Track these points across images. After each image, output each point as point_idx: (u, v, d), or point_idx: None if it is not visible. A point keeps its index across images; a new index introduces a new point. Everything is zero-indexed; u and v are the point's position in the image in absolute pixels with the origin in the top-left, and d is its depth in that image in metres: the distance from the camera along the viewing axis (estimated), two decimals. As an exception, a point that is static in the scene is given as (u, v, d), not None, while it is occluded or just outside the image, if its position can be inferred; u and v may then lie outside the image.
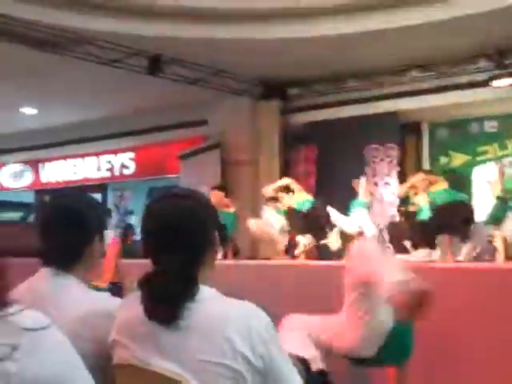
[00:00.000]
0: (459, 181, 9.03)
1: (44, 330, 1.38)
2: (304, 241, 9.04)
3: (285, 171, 13.30)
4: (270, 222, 9.48)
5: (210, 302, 2.00)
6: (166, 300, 1.97)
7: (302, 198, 9.40)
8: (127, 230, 13.54)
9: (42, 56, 10.43)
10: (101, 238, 2.45)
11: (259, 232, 9.42)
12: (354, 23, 9.86)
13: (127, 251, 11.25)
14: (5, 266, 1.41)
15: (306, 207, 9.22)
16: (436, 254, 8.00)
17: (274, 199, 9.93)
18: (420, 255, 8.29)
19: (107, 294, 2.40)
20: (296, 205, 9.31)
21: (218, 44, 10.49)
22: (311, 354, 3.80)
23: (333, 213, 9.05)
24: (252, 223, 9.50)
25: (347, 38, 10.13)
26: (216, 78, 12.26)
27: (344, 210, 9.55)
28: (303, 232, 9.14)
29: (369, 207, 9.53)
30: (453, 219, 7.86)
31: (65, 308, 2.17)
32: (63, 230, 2.35)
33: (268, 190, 9.83)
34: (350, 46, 10.51)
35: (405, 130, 12.99)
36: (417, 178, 8.76)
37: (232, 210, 10.02)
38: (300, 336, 4.03)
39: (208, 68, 11.83)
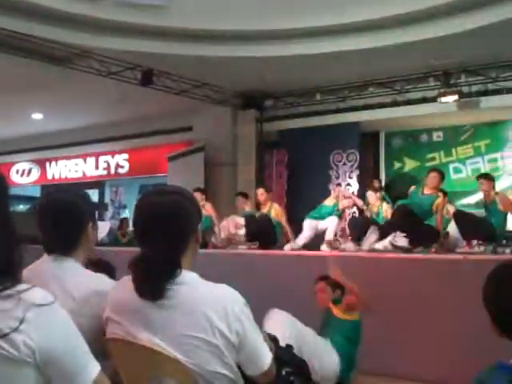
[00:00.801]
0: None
1: (49, 305, 1.38)
2: None
3: (260, 173, 13.33)
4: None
5: (192, 285, 2.02)
6: (152, 278, 1.98)
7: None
8: (122, 222, 13.48)
9: (49, 68, 10.38)
10: (93, 226, 2.44)
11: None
12: (321, 45, 9.90)
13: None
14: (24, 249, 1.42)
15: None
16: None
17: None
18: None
19: (104, 276, 2.39)
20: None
21: (204, 60, 10.47)
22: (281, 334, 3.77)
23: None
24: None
25: (315, 57, 10.16)
26: (201, 90, 12.24)
27: (311, 207, 9.62)
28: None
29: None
30: None
31: (67, 289, 2.17)
32: (61, 220, 2.33)
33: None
34: (317, 64, 10.54)
35: (364, 139, 13.06)
36: None
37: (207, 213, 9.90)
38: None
39: (194, 81, 11.80)
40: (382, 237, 8.48)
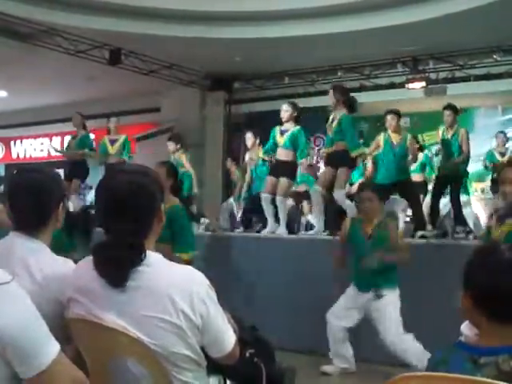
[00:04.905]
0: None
1: (6, 284, 1.35)
2: None
3: (227, 155, 13.30)
4: None
5: (156, 266, 2.00)
6: (114, 265, 1.95)
7: None
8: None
9: (15, 45, 10.19)
10: (63, 206, 2.40)
11: None
12: (290, 29, 9.88)
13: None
14: None
15: None
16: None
17: None
18: None
19: (70, 260, 2.34)
20: None
21: (172, 41, 10.39)
22: None
23: None
24: None
25: (284, 41, 10.14)
26: (169, 71, 12.16)
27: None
28: None
29: None
30: None
31: (31, 270, 2.13)
32: (31, 199, 2.27)
33: None
34: (286, 48, 10.52)
35: (332, 123, 13.06)
36: None
37: None
38: None
39: (162, 61, 11.73)
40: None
